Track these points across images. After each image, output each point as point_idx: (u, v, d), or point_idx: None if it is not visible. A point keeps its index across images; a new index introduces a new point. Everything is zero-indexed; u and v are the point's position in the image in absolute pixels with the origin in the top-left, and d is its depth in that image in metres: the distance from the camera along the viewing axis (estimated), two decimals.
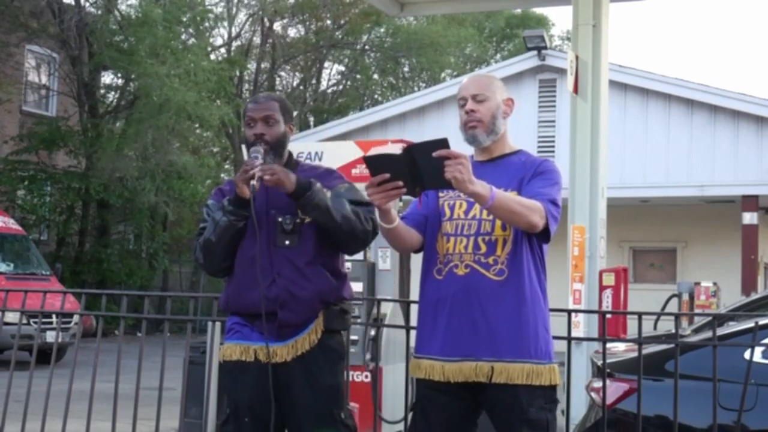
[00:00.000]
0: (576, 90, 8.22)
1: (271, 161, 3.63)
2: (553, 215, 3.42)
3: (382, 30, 31.48)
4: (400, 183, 3.25)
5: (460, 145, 3.60)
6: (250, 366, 3.65)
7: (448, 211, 3.54)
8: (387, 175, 3.24)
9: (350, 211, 3.58)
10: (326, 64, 33.05)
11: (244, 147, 3.69)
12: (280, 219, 3.62)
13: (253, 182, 3.49)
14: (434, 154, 3.16)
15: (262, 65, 30.24)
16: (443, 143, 3.18)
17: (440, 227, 3.53)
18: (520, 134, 16.15)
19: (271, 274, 3.62)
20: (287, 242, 3.63)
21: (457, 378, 3.42)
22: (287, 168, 3.69)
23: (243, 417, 3.64)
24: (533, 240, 3.46)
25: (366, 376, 7.03)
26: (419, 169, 3.21)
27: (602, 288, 7.97)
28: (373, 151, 3.33)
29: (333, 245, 3.67)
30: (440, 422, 3.49)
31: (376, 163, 3.25)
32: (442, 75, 32.23)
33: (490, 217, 3.42)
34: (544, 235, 3.43)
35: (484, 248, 3.43)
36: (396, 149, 3.23)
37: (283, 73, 32.45)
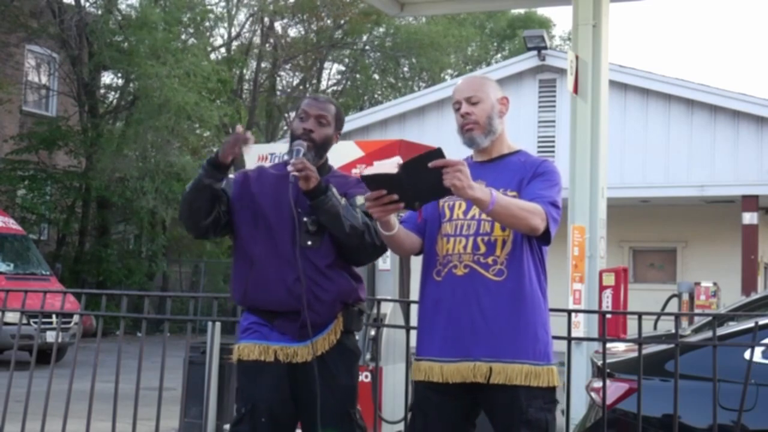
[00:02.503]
0: (576, 90, 8.21)
1: (311, 159, 3.66)
2: (554, 217, 3.41)
3: (382, 30, 31.46)
4: (396, 197, 3.26)
5: (458, 148, 3.61)
6: (269, 366, 3.65)
7: (447, 212, 3.54)
8: (384, 191, 3.25)
9: (361, 223, 3.60)
10: (326, 64, 33.07)
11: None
12: (305, 219, 3.64)
13: (293, 173, 3.52)
14: (430, 165, 3.17)
15: (263, 65, 30.23)
16: (438, 153, 3.19)
17: (440, 228, 3.53)
18: (520, 134, 16.20)
19: (294, 272, 3.63)
20: (309, 243, 3.65)
21: (455, 378, 3.42)
22: (322, 170, 3.76)
23: (260, 417, 3.64)
24: (533, 241, 3.45)
25: (366, 376, 7.03)
26: (417, 183, 3.23)
27: (602, 288, 7.96)
28: (371, 170, 3.33)
29: (343, 256, 3.69)
30: (438, 423, 3.49)
31: (374, 182, 3.27)
32: (443, 75, 32.21)
33: (489, 217, 3.41)
34: (545, 237, 3.42)
35: (483, 248, 3.42)
36: (393, 167, 3.24)
37: (283, 73, 32.45)
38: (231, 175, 3.88)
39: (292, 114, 31.23)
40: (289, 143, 3.76)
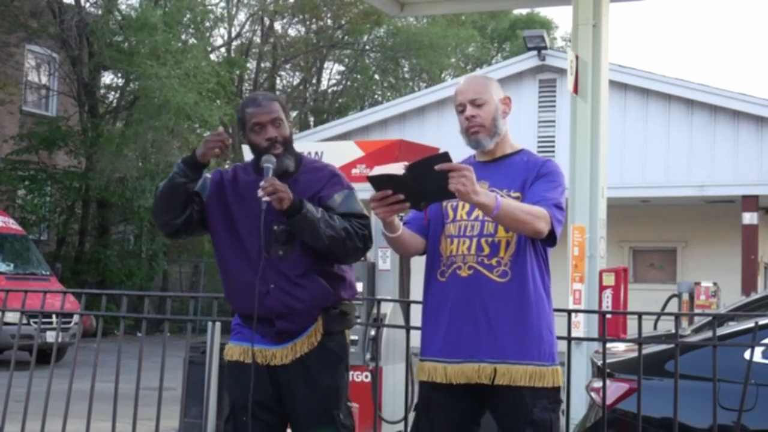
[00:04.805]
0: (576, 90, 8.21)
1: (290, 162, 3.64)
2: (558, 220, 3.42)
3: (382, 30, 31.45)
4: (401, 196, 3.26)
5: (459, 149, 3.61)
6: (249, 367, 3.65)
7: (451, 213, 3.54)
8: (389, 192, 3.25)
9: (340, 230, 3.56)
10: (326, 64, 33.08)
11: (245, 148, 3.68)
12: (275, 227, 3.61)
13: (264, 198, 3.47)
14: (436, 168, 3.18)
15: (263, 65, 30.24)
16: (445, 157, 3.20)
17: (443, 229, 3.53)
18: (520, 134, 16.14)
19: (266, 283, 3.61)
20: (281, 252, 3.62)
21: (459, 379, 3.42)
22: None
23: (241, 416, 3.66)
24: (537, 242, 3.46)
25: (366, 376, 7.03)
26: (423, 185, 3.24)
27: (602, 288, 7.96)
28: (377, 170, 3.32)
29: (322, 257, 3.66)
30: (443, 423, 3.49)
31: (380, 183, 3.27)
32: (443, 75, 32.20)
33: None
34: (550, 239, 3.43)
35: (487, 249, 3.43)
36: (399, 169, 3.24)
37: (283, 73, 32.46)
38: (208, 174, 3.84)
39: (293, 114, 31.36)
40: (254, 157, 3.67)
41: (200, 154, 3.57)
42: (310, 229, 3.52)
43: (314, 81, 32.78)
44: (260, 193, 3.47)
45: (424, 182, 3.22)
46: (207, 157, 3.57)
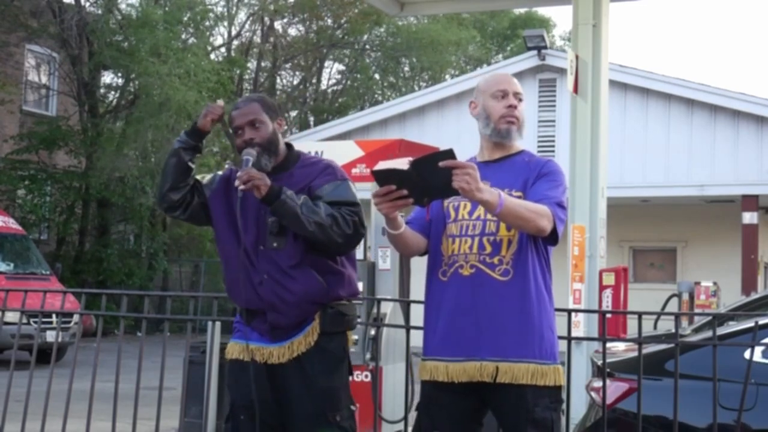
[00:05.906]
0: (576, 90, 8.21)
1: (267, 162, 3.66)
2: (560, 218, 3.43)
3: (383, 30, 31.46)
4: (405, 192, 3.26)
5: (466, 147, 3.61)
6: (248, 365, 3.67)
7: (452, 213, 3.55)
8: (393, 187, 3.26)
9: (325, 217, 3.56)
10: (326, 64, 33.08)
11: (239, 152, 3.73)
12: (270, 220, 3.64)
13: (241, 187, 3.54)
14: (441, 164, 3.18)
15: (263, 64, 30.24)
16: (449, 154, 3.20)
17: (445, 229, 3.54)
18: None
19: (259, 274, 3.65)
20: (275, 244, 3.65)
21: (461, 378, 3.43)
22: (287, 162, 3.76)
23: (239, 415, 3.69)
24: (538, 241, 3.47)
25: (366, 376, 7.03)
26: (427, 181, 3.24)
27: (602, 288, 7.96)
28: (381, 165, 3.33)
29: (316, 249, 3.67)
30: (445, 422, 3.50)
31: (384, 177, 3.27)
32: (443, 75, 32.20)
33: (494, 217, 3.42)
34: (552, 238, 3.44)
35: (489, 248, 3.44)
36: (403, 164, 3.24)
37: (283, 73, 32.46)
38: (219, 172, 3.94)
39: (293, 114, 31.37)
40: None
41: (200, 120, 3.72)
42: (292, 215, 3.54)
43: (314, 81, 32.78)
44: (236, 182, 3.55)
45: (427, 178, 3.23)
46: (206, 124, 3.71)
